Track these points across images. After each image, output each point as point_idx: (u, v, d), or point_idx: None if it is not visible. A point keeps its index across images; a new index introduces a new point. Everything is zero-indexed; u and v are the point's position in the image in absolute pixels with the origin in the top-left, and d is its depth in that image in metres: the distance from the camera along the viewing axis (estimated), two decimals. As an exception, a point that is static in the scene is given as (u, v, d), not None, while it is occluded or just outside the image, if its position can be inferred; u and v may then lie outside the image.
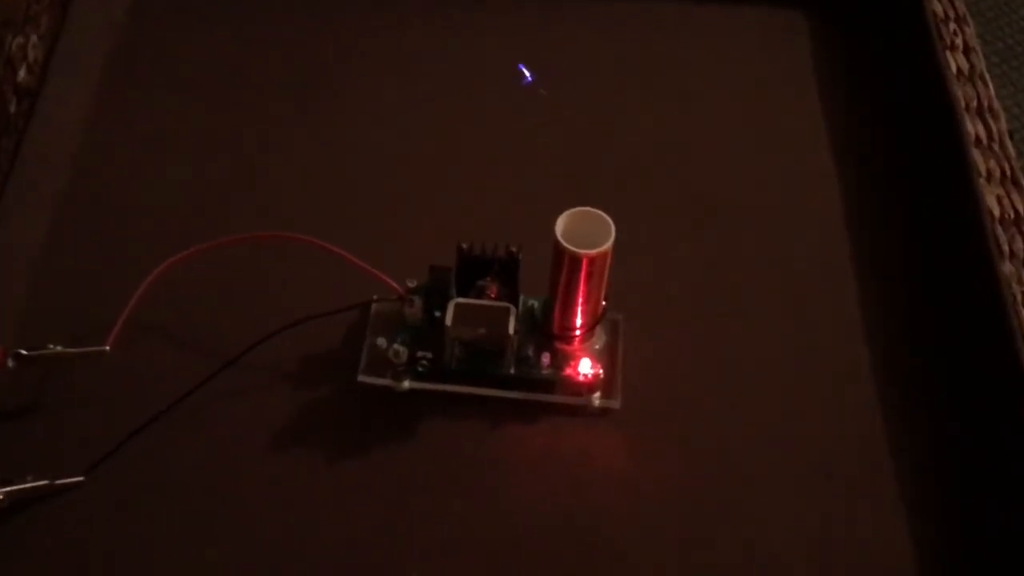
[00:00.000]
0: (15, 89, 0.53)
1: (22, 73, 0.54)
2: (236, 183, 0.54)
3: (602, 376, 0.46)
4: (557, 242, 0.43)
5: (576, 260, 0.43)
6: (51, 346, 0.46)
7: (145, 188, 0.54)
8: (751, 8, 0.63)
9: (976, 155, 0.52)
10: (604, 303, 0.46)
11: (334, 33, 0.61)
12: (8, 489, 0.43)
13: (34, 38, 0.55)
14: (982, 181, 0.51)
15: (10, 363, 0.45)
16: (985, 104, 0.55)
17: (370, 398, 0.46)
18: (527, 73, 0.54)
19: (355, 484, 0.45)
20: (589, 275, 0.44)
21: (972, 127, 0.54)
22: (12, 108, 0.52)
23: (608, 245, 0.43)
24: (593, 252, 0.43)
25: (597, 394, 0.46)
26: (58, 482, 0.44)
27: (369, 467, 0.45)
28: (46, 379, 0.46)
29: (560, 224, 0.43)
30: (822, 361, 0.49)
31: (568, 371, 0.46)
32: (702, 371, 0.48)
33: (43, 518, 0.43)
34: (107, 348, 0.45)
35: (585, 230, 0.43)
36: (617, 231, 0.43)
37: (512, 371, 0.46)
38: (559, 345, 0.47)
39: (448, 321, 0.45)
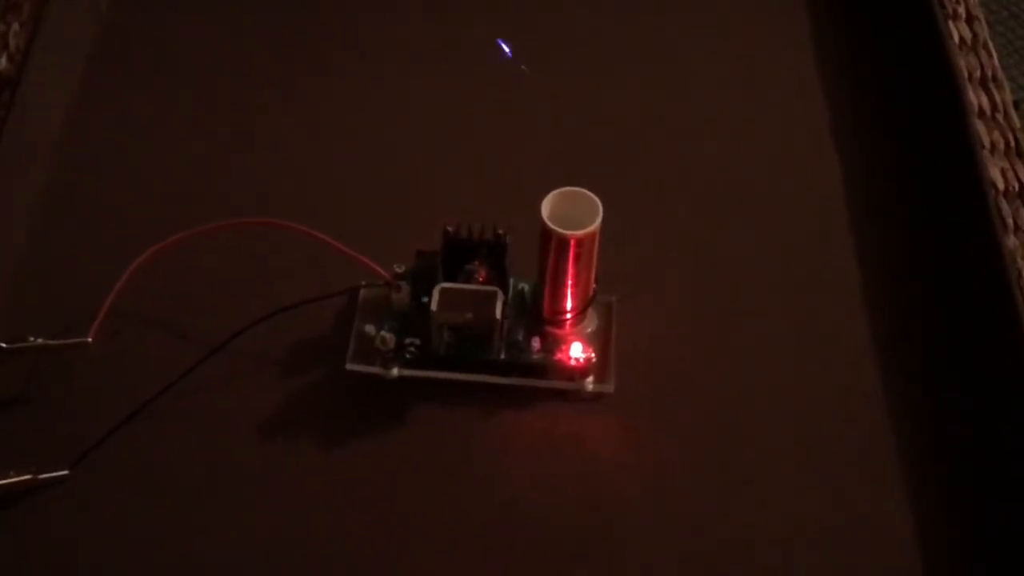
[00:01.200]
0: (-4, 78, 0.53)
1: (3, 61, 0.53)
2: (219, 170, 0.53)
3: (594, 360, 0.45)
4: (543, 223, 0.42)
5: (563, 241, 0.42)
6: (32, 338, 0.45)
7: (128, 176, 0.53)
8: (747, -20, 0.62)
9: (979, 126, 0.51)
10: (594, 285, 0.45)
11: (318, 19, 0.60)
12: (-9, 484, 0.42)
13: (15, 25, 0.55)
14: (985, 153, 0.50)
15: (-10, 357, 0.45)
16: (988, 74, 0.54)
17: (358, 386, 0.46)
18: (506, 49, 0.53)
19: (345, 473, 0.44)
20: (577, 256, 0.43)
21: (975, 98, 0.53)
22: (-7, 97, 0.52)
23: (596, 225, 0.42)
24: (580, 233, 0.42)
25: (590, 378, 0.46)
26: (42, 476, 0.43)
27: (359, 456, 0.45)
28: (28, 372, 0.46)
29: (546, 205, 0.42)
30: (820, 341, 0.48)
31: (559, 355, 0.45)
32: (698, 354, 0.48)
33: (28, 513, 0.43)
34: (89, 339, 0.45)
35: (572, 210, 0.42)
36: (610, 211, 0.42)
37: (502, 356, 0.45)
38: (550, 329, 0.46)
39: (433, 307, 0.44)
